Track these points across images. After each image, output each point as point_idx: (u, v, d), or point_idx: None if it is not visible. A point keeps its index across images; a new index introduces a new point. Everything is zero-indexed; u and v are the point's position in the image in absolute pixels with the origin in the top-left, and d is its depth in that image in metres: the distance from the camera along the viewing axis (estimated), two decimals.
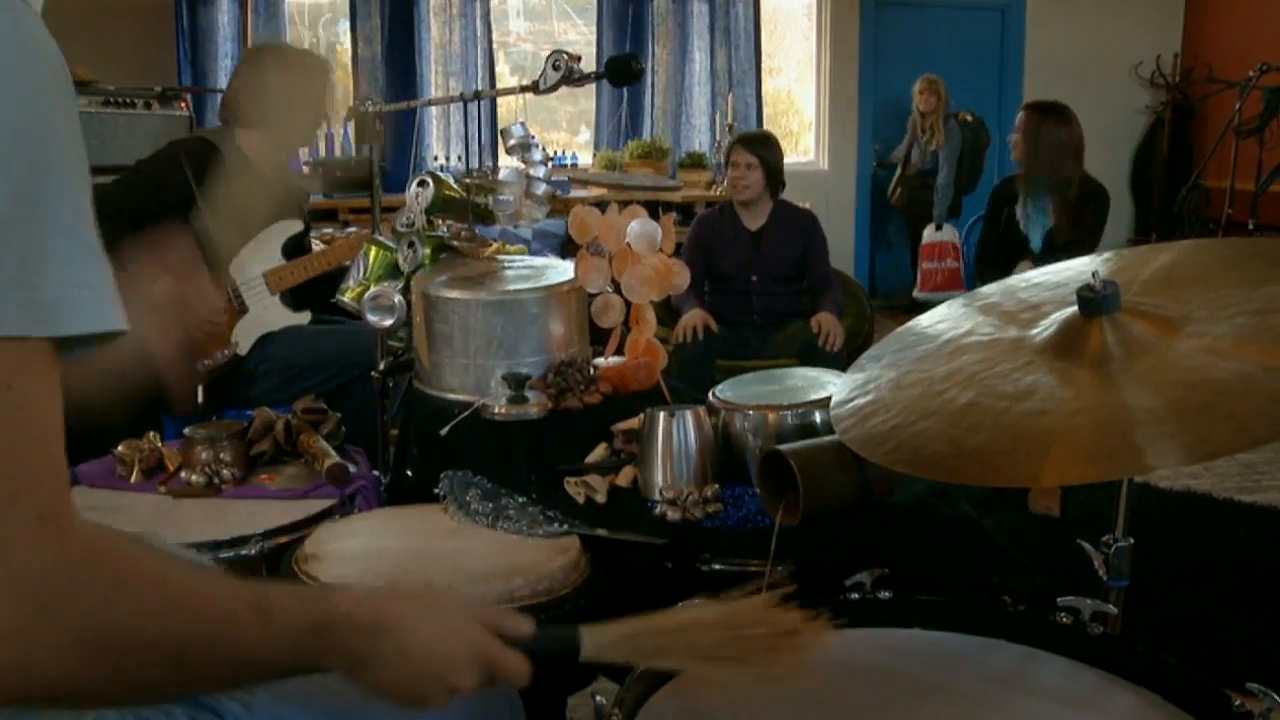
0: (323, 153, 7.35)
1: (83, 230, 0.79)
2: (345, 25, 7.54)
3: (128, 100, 3.83)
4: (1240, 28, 8.33)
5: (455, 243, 2.10)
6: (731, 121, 7.55)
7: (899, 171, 8.14)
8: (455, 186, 2.12)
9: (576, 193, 6.96)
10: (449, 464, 1.86)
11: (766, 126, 8.30)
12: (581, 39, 8.11)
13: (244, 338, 3.37)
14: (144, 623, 0.81)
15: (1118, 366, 1.38)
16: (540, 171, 2.03)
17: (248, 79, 3.41)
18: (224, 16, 7.19)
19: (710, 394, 1.88)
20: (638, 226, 1.89)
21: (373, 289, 2.00)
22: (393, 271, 2.08)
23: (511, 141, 2.05)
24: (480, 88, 7.54)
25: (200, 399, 3.33)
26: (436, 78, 7.56)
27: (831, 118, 8.35)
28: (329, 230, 6.18)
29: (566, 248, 6.26)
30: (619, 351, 2.07)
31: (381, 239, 2.09)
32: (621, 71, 2.16)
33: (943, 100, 7.78)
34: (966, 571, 1.63)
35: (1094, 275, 1.48)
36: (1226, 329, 1.40)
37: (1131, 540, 1.57)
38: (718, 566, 1.61)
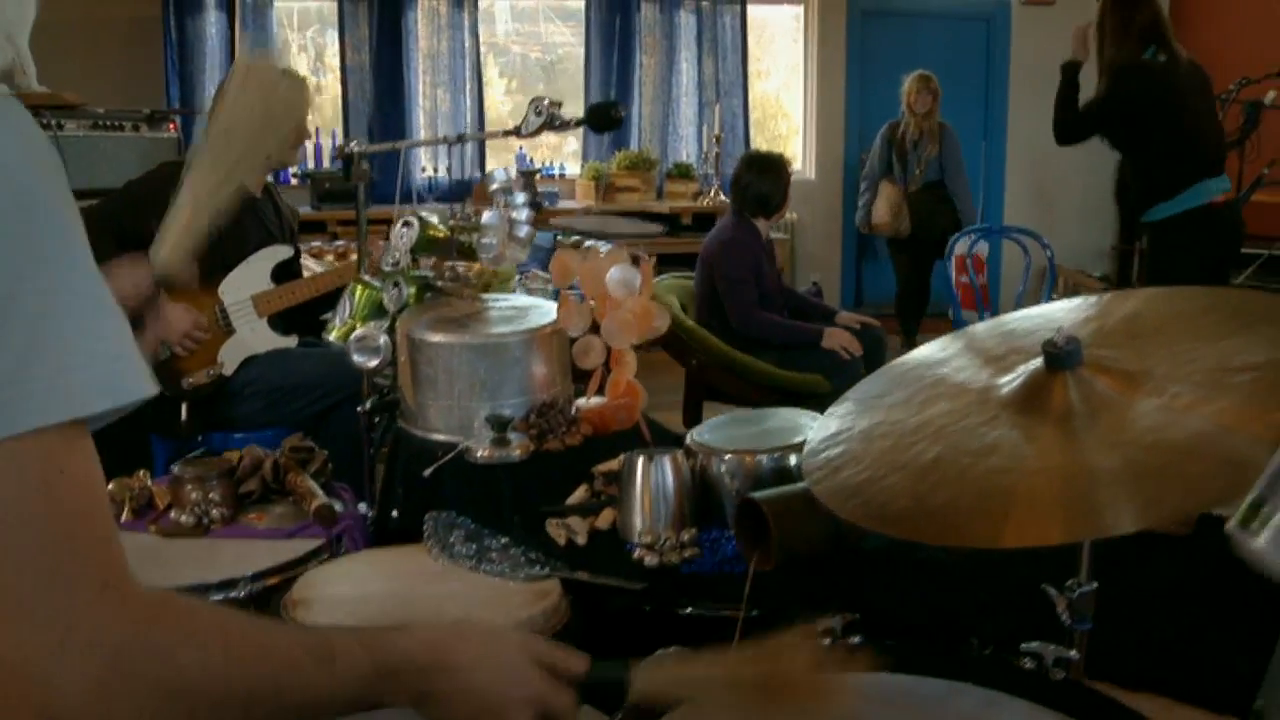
0: (311, 165, 7.39)
1: (104, 299, 0.83)
2: (333, 34, 7.57)
3: (115, 123, 3.86)
4: (1222, 38, 8.39)
5: (440, 283, 2.13)
6: (719, 133, 7.60)
7: (886, 189, 7.14)
8: (439, 226, 2.16)
9: (562, 212, 7.01)
10: (434, 504, 1.90)
11: (754, 131, 8.36)
12: (568, 43, 8.15)
13: (230, 359, 3.41)
14: (210, 675, 0.86)
15: (1080, 423, 1.42)
16: (523, 214, 2.07)
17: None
18: (212, 29, 7.24)
19: (688, 437, 1.93)
20: (616, 273, 1.93)
21: (359, 330, 2.04)
22: (378, 310, 2.12)
23: (494, 186, 2.08)
24: (469, 99, 7.60)
25: (185, 418, 3.37)
26: (425, 88, 7.61)
27: (819, 128, 8.39)
28: (317, 243, 6.22)
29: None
30: (600, 392, 2.11)
31: (367, 279, 2.12)
32: (602, 119, 2.21)
33: (938, 100, 7.14)
34: (936, 614, 1.67)
35: (1058, 330, 1.52)
36: (1184, 385, 1.45)
37: (1095, 584, 1.61)
38: (693, 611, 1.65)
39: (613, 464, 1.93)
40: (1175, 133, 4.30)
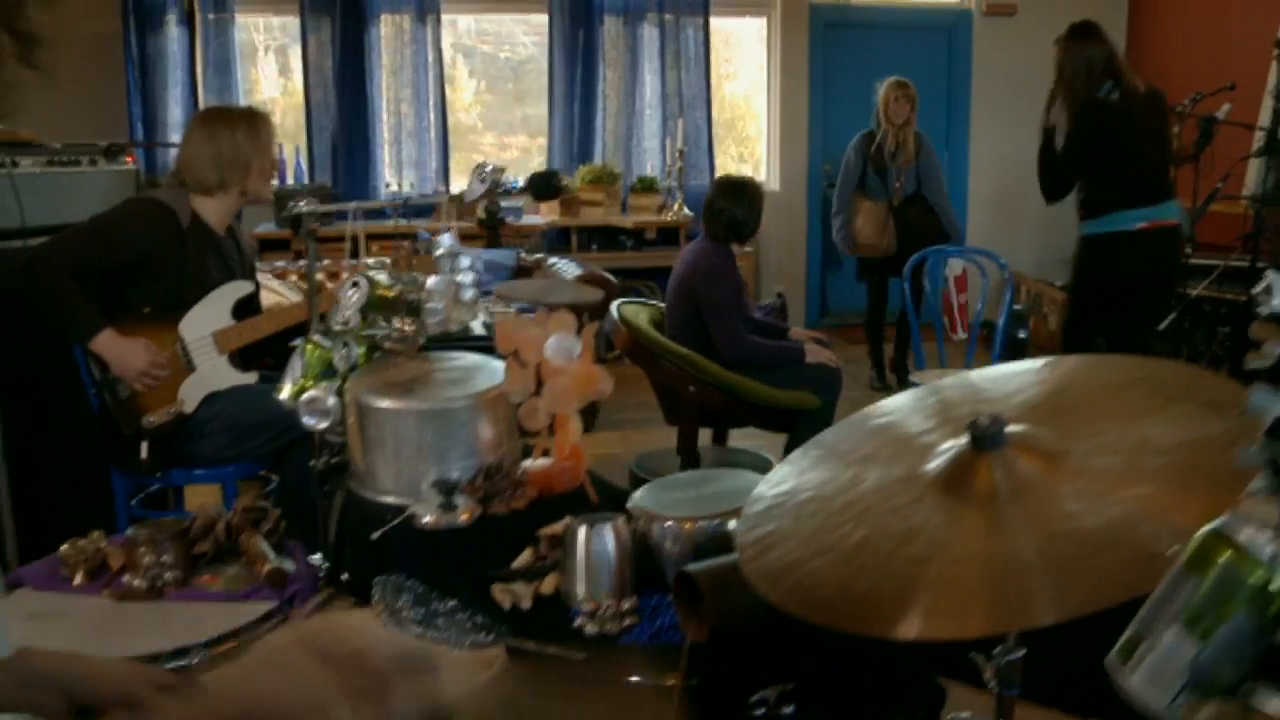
0: (275, 182, 7.39)
1: None
2: (296, 49, 7.57)
3: (72, 159, 3.86)
4: (1181, 50, 8.50)
5: (388, 344, 2.17)
6: (682, 147, 7.64)
7: (865, 205, 6.78)
8: (389, 286, 2.19)
9: (525, 228, 7.03)
10: (383, 566, 1.93)
11: (723, 133, 8.42)
12: (540, 41, 8.18)
13: (191, 396, 3.43)
14: None
15: (1002, 507, 1.46)
16: (468, 278, 2.10)
17: (198, 147, 3.47)
18: (173, 45, 7.22)
19: (629, 500, 1.97)
20: (554, 342, 1.97)
21: (309, 393, 2.07)
22: (329, 369, 2.15)
23: (439, 251, 2.12)
24: (432, 112, 7.62)
25: (145, 456, 3.39)
26: (388, 102, 7.62)
27: (783, 139, 8.45)
28: (281, 263, 6.23)
29: (517, 276, 6.32)
30: (547, 453, 2.15)
31: (318, 339, 2.15)
32: (543, 188, 2.25)
33: (915, 107, 6.78)
34: (870, 683, 1.72)
35: (982, 413, 1.57)
36: (1102, 468, 1.49)
37: (1023, 650, 1.66)
38: (634, 679, 1.69)
39: (557, 527, 1.96)
40: (1121, 163, 4.66)
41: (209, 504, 2.18)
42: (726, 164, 8.80)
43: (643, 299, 5.30)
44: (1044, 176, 4.88)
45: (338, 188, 7.43)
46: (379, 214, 7.48)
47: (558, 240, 7.48)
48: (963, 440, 1.57)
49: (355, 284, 2.15)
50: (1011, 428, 1.60)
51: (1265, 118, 6.75)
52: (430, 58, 7.61)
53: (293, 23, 7.56)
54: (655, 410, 5.07)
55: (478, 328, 4.88)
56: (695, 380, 4.50)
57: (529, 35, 8.17)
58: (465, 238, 6.79)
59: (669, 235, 7.62)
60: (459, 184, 7.85)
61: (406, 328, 2.05)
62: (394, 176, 7.66)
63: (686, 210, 7.63)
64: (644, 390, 5.04)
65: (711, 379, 4.52)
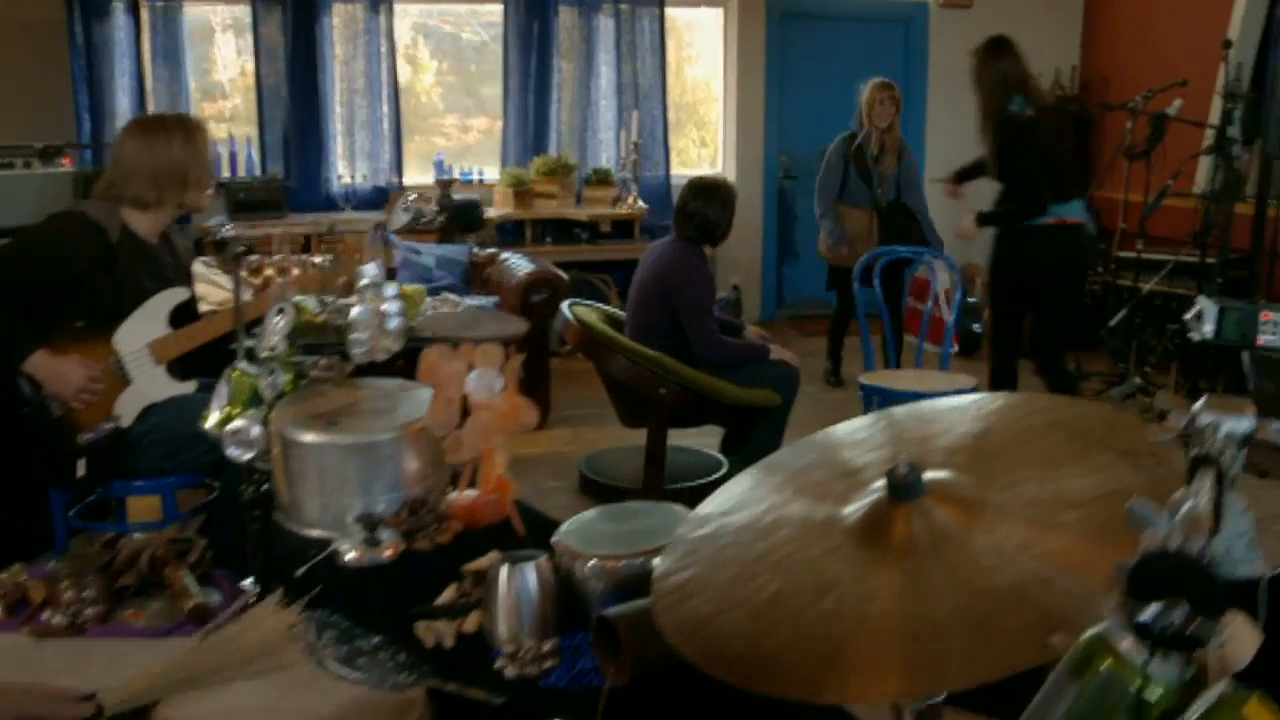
0: (225, 173, 7.31)
1: None
2: (249, 39, 7.47)
3: (7, 161, 3.80)
4: (1135, 42, 8.54)
5: (315, 373, 2.14)
6: (638, 139, 7.61)
7: (848, 212, 6.55)
8: (315, 312, 2.16)
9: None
10: (307, 603, 1.91)
11: (684, 116, 8.40)
12: (496, 31, 8.11)
13: (128, 410, 3.38)
14: None
15: (918, 561, 1.45)
16: (394, 307, 2.07)
17: (132, 161, 3.40)
18: (120, 33, 7.11)
19: (554, 536, 1.95)
20: (476, 377, 1.95)
21: (233, 423, 2.04)
22: (255, 397, 2.12)
23: (364, 281, 2.09)
24: (385, 104, 7.55)
25: (82, 472, 3.34)
26: (340, 93, 7.54)
27: (739, 131, 8.43)
28: (266, 231, 6.18)
29: (470, 273, 6.30)
30: (474, 484, 2.13)
31: (244, 366, 2.12)
32: (464, 219, 2.22)
33: (900, 110, 6.51)
34: None
35: (901, 460, 1.56)
36: (1018, 521, 1.48)
37: (943, 695, 1.66)
38: None
39: (482, 562, 1.95)
40: (1030, 170, 4.99)
41: (136, 538, 2.14)
42: (684, 154, 8.79)
43: (590, 302, 5.29)
44: (1016, 212, 5.10)
45: (289, 179, 7.36)
46: (329, 206, 7.45)
47: (512, 233, 7.44)
48: (880, 489, 1.57)
49: (281, 310, 2.11)
50: (931, 475, 1.59)
51: (1215, 116, 6.80)
52: (383, 48, 7.54)
53: (243, 10, 7.45)
54: (607, 406, 5.07)
55: (427, 330, 4.87)
56: (666, 382, 4.52)
57: (486, 25, 8.10)
58: (417, 232, 6.79)
59: (624, 228, 7.60)
60: (412, 175, 7.79)
61: (332, 359, 2.01)
62: (346, 168, 7.57)
63: (642, 203, 7.61)
64: (596, 386, 5.04)
65: (683, 380, 4.54)
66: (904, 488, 1.53)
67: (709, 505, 1.82)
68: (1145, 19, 8.45)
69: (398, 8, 7.62)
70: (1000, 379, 5.29)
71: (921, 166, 8.68)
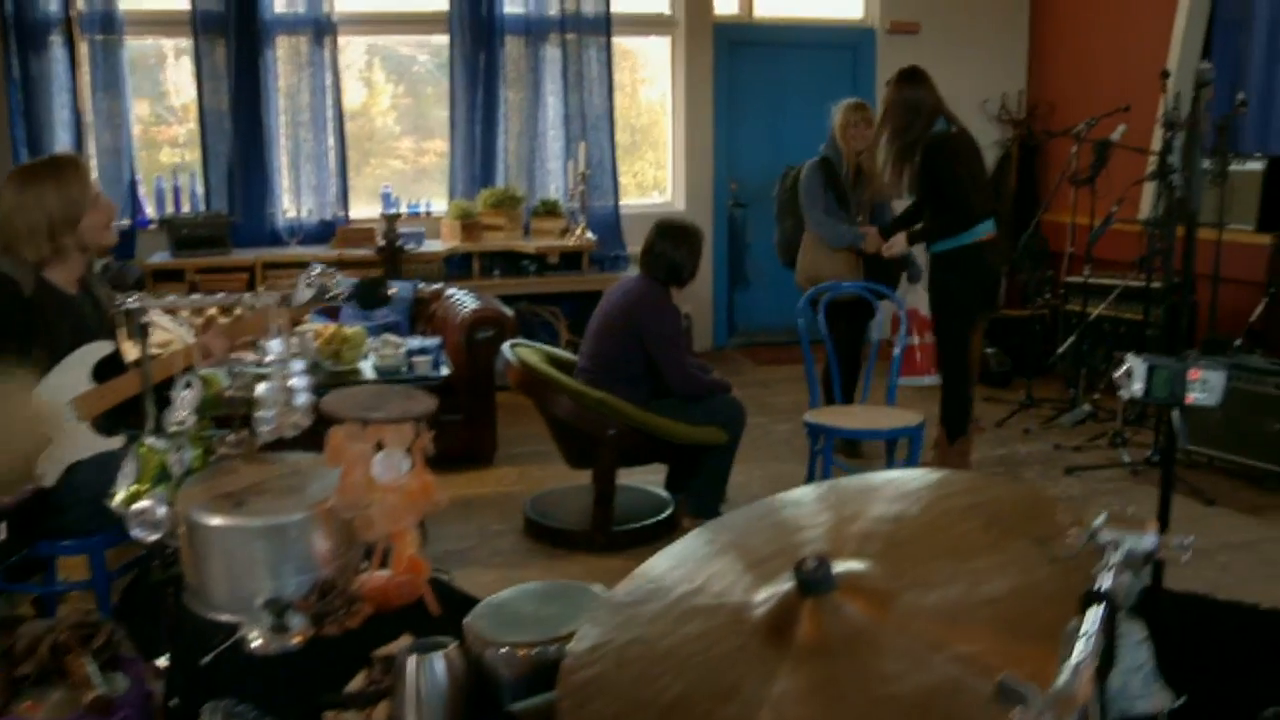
0: (170, 209, 7.22)
1: None
2: (189, 70, 7.37)
3: None
4: (1080, 68, 8.59)
5: (223, 449, 2.08)
6: (585, 170, 7.57)
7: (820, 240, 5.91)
8: (225, 384, 2.10)
9: (426, 256, 6.90)
10: (214, 690, 1.85)
11: (639, 139, 8.36)
12: (440, 64, 8.06)
13: (51, 470, 3.29)
14: None
15: (826, 663, 1.41)
16: (302, 382, 2.02)
17: (14, 216, 3.30)
18: (58, 66, 7.01)
19: (467, 618, 1.90)
20: (381, 460, 1.90)
21: (137, 504, 1.98)
22: (163, 473, 2.06)
23: (270, 357, 2.03)
24: (331, 137, 7.47)
25: (3, 535, 3.25)
26: (285, 126, 7.46)
27: (688, 158, 8.41)
28: (172, 297, 6.07)
29: (415, 310, 6.24)
30: (385, 564, 2.08)
31: (151, 441, 2.06)
32: (370, 296, 2.18)
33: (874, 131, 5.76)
34: None
35: (808, 554, 1.52)
36: (931, 615, 1.45)
37: None
38: None
39: (393, 648, 1.89)
40: (962, 184, 5.21)
41: (33, 621, 2.06)
42: (641, 176, 8.76)
43: (532, 342, 5.25)
44: (945, 224, 5.25)
45: (234, 214, 7.26)
46: (275, 241, 7.37)
47: (459, 267, 7.37)
48: (786, 584, 1.53)
49: (189, 384, 2.05)
50: (842, 566, 1.55)
51: (1157, 142, 6.83)
52: (328, 80, 7.46)
53: (185, 44, 7.36)
54: (553, 443, 5.04)
55: (368, 371, 4.81)
56: (613, 423, 4.51)
57: (434, 54, 8.04)
58: (363, 266, 6.73)
59: (572, 260, 7.55)
60: (360, 208, 7.72)
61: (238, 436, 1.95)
62: (292, 202, 7.49)
63: (590, 234, 7.57)
64: (542, 422, 5.00)
65: (630, 420, 4.53)
66: (813, 583, 1.49)
67: (625, 587, 1.78)
68: (1089, 46, 8.51)
69: (342, 40, 7.55)
70: (964, 405, 5.42)
71: None
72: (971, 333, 5.51)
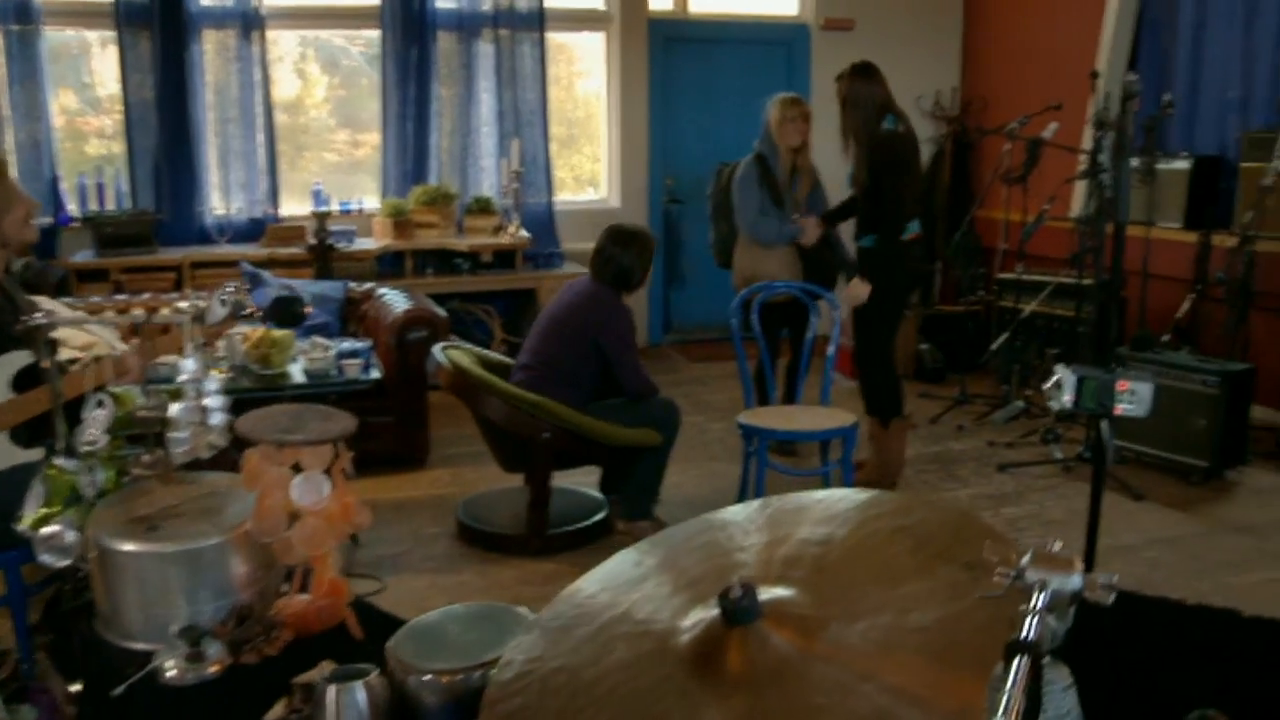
0: (93, 206, 7.06)
1: None
2: (115, 59, 7.20)
3: None
4: (1012, 66, 8.66)
5: (137, 470, 2.02)
6: (519, 167, 7.51)
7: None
8: (139, 402, 2.04)
9: (359, 254, 6.81)
10: None
11: (576, 132, 8.29)
12: (371, 58, 7.95)
13: None
14: None
15: (754, 695, 1.38)
16: (217, 401, 1.96)
17: None
18: None
19: (390, 642, 1.86)
20: (300, 484, 1.84)
21: (46, 528, 1.91)
22: (75, 495, 1.99)
23: (183, 377, 1.97)
24: (260, 133, 7.34)
25: None
26: (213, 123, 7.32)
27: (623, 155, 8.37)
28: (96, 298, 5.94)
29: (346, 310, 6.15)
30: (305, 588, 2.02)
31: (61, 463, 1.99)
32: (285, 314, 2.12)
33: (811, 126, 5.88)
34: None
35: (736, 580, 1.49)
36: (859, 643, 1.42)
37: None
38: None
39: (313, 674, 1.84)
40: (913, 182, 5.37)
41: None
42: (579, 169, 8.70)
43: (464, 344, 5.19)
44: (896, 212, 5.28)
45: (161, 212, 7.12)
46: (204, 239, 7.24)
47: (392, 265, 7.28)
48: (712, 612, 1.50)
49: (100, 403, 1.99)
50: (768, 594, 1.53)
51: (1088, 142, 6.90)
52: (257, 75, 7.33)
53: (109, 36, 7.19)
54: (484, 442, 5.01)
55: (298, 375, 4.73)
56: (548, 426, 4.48)
57: (365, 49, 7.92)
58: (293, 265, 6.63)
59: (506, 258, 7.49)
60: (291, 205, 7.60)
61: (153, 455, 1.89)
62: (221, 200, 7.35)
63: (524, 232, 7.51)
64: (475, 423, 4.95)
65: (564, 423, 4.50)
66: (737, 612, 1.46)
67: (551, 610, 1.74)
68: (1021, 44, 8.58)
69: (271, 34, 7.42)
70: (891, 390, 5.44)
71: None
72: (893, 330, 5.51)
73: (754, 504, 1.87)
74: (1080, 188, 7.22)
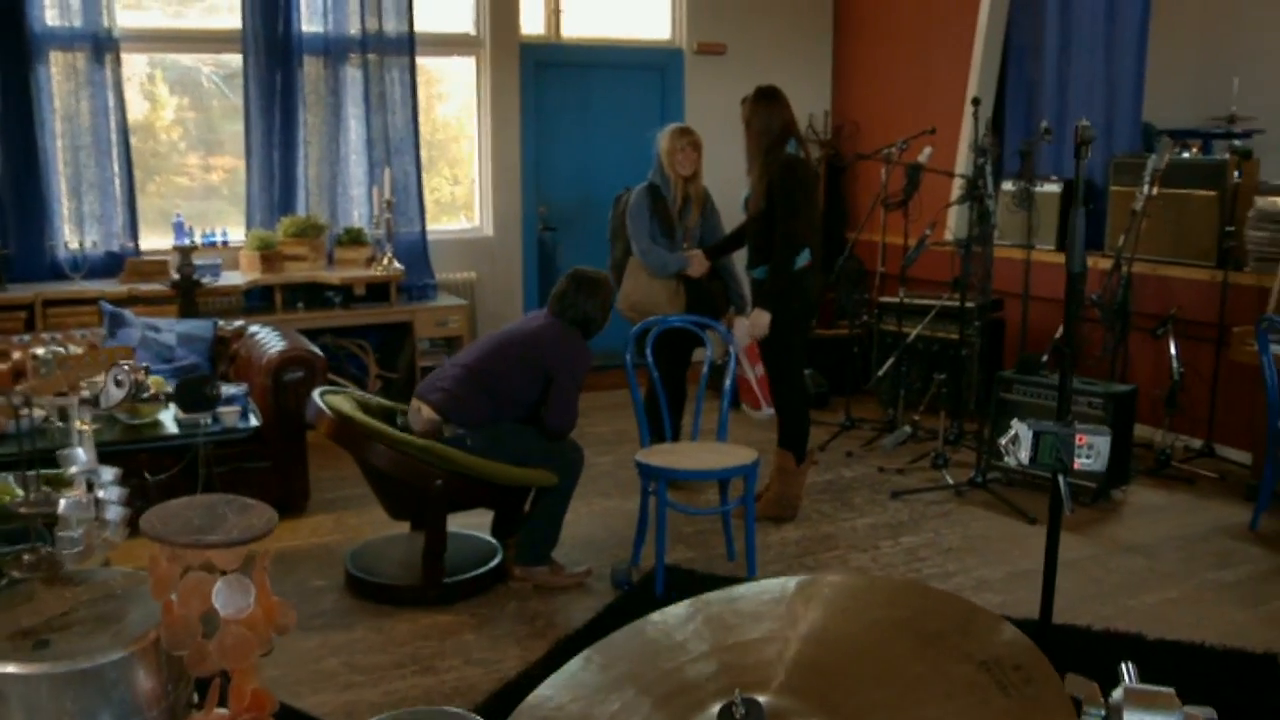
0: None
1: None
2: None
3: None
4: (882, 91, 8.73)
5: (18, 571, 1.78)
6: (390, 197, 7.26)
7: (644, 271, 5.75)
8: (18, 495, 1.80)
9: (223, 290, 6.49)
10: None
11: (434, 155, 8.07)
12: (227, 76, 7.61)
13: None
14: None
15: None
16: (114, 494, 1.74)
17: None
18: None
19: None
20: (223, 590, 1.64)
21: None
22: None
23: (74, 469, 1.74)
24: (116, 163, 6.96)
25: None
26: (63, 151, 6.90)
27: (495, 182, 8.17)
28: None
29: (216, 350, 5.83)
30: (223, 703, 1.81)
31: None
32: (194, 398, 1.91)
33: (702, 154, 5.80)
34: None
35: (737, 694, 1.34)
36: None
37: None
38: None
39: None
40: (812, 208, 5.39)
41: None
42: (439, 192, 8.45)
43: (343, 387, 4.96)
44: (790, 240, 5.24)
45: (7, 247, 6.68)
46: (56, 275, 6.82)
47: (260, 300, 6.97)
48: None
49: None
50: (770, 701, 1.38)
51: (962, 164, 6.96)
52: (111, 101, 6.93)
53: None
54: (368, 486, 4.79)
55: (170, 424, 4.44)
56: (440, 472, 4.29)
57: (226, 74, 7.58)
58: (156, 302, 6.28)
59: (379, 291, 7.22)
60: (150, 238, 7.21)
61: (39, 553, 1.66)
62: (74, 233, 6.93)
63: (397, 264, 7.26)
64: (355, 465, 4.73)
65: (456, 467, 4.33)
66: None
67: None
68: (891, 68, 8.65)
69: (125, 57, 7.03)
70: (807, 427, 5.45)
71: None
72: (801, 359, 5.51)
73: (682, 611, 1.72)
74: (956, 211, 7.29)
